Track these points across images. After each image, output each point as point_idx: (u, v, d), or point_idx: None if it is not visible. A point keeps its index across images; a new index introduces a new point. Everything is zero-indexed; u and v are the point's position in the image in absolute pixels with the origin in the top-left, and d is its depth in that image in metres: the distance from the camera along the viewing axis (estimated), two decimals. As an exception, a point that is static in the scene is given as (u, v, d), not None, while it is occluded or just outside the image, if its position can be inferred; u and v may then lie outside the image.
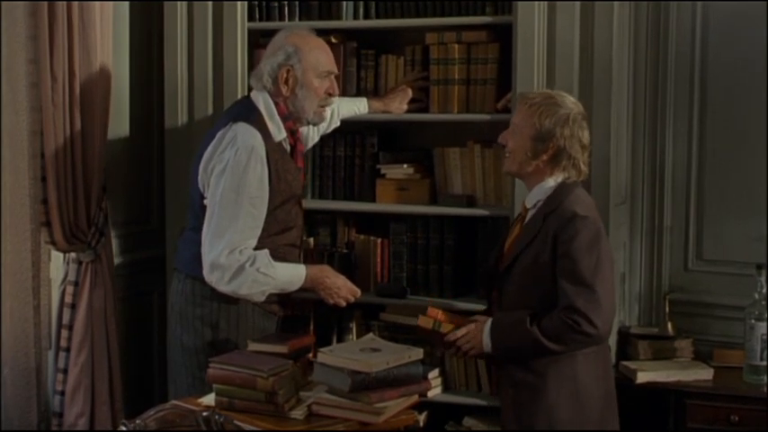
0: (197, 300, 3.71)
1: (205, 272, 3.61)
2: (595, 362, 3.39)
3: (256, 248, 3.63)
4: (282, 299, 3.84)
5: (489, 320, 3.44)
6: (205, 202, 3.67)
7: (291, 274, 3.70)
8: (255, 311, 3.74)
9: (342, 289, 3.81)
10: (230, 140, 3.63)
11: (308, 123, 3.85)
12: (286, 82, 3.73)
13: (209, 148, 3.67)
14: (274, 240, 3.71)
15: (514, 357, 3.41)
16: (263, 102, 3.74)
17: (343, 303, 3.84)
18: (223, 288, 3.60)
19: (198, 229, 3.72)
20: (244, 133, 3.63)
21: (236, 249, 3.57)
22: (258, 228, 3.64)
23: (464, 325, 3.55)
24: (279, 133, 3.73)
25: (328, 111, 3.95)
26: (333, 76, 3.82)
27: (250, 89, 3.87)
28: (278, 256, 3.69)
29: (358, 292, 3.87)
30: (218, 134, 3.67)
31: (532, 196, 3.48)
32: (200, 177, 3.69)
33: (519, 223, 3.54)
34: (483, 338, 3.44)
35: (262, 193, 3.63)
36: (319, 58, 3.76)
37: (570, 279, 3.30)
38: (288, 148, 3.79)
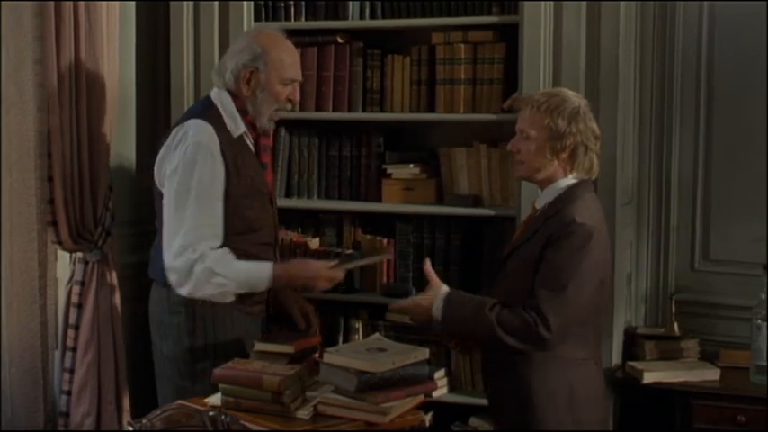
0: (173, 307, 3.64)
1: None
2: (586, 368, 3.37)
3: (223, 248, 3.57)
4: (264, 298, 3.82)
5: (444, 291, 3.38)
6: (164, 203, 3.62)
7: (253, 274, 3.57)
8: (234, 315, 3.66)
9: (318, 279, 3.63)
10: (181, 138, 3.57)
11: (261, 127, 3.72)
12: (248, 82, 3.65)
13: (163, 149, 3.62)
14: (245, 239, 3.64)
15: (465, 335, 3.41)
16: (221, 99, 3.68)
17: (325, 286, 3.68)
18: (182, 292, 3.52)
19: None
20: (194, 129, 3.57)
21: (188, 249, 3.48)
22: (214, 226, 3.54)
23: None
24: (237, 128, 3.65)
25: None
26: (296, 84, 3.73)
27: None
28: (250, 255, 3.62)
29: (337, 276, 3.66)
30: (172, 133, 3.62)
31: (543, 198, 3.44)
32: (156, 179, 3.64)
33: (525, 223, 3.53)
34: (434, 307, 3.36)
35: (213, 189, 3.55)
36: (286, 64, 3.67)
37: (543, 279, 3.25)
38: (250, 143, 3.73)
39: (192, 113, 3.68)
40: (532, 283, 3.27)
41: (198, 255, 3.48)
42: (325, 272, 3.64)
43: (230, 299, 3.57)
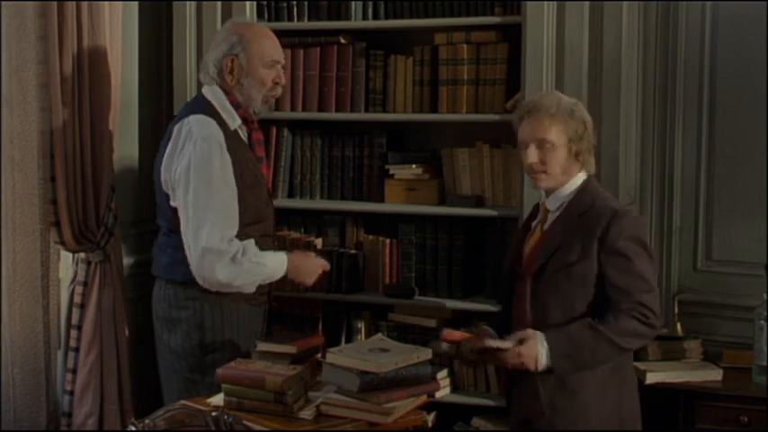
0: (180, 302, 3.67)
1: (195, 267, 3.55)
2: (623, 362, 3.41)
3: (250, 238, 3.63)
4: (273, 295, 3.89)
5: (539, 333, 3.27)
6: (172, 203, 3.63)
7: (276, 262, 3.66)
8: (240, 306, 3.71)
9: (311, 270, 3.81)
10: (187, 135, 3.59)
11: (256, 114, 3.78)
12: (231, 72, 3.70)
13: (168, 148, 3.64)
14: (249, 231, 3.67)
15: (577, 365, 3.30)
16: (212, 94, 3.72)
17: (310, 282, 3.85)
18: (219, 278, 3.52)
19: (171, 232, 3.69)
20: (199, 124, 3.60)
21: (224, 240, 3.52)
22: (234, 217, 3.59)
23: (481, 342, 3.37)
24: (233, 121, 3.70)
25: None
26: (280, 66, 3.78)
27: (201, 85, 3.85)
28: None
29: (325, 266, 3.86)
30: (174, 131, 3.64)
31: (556, 199, 3.43)
32: (162, 178, 3.65)
33: (540, 226, 3.47)
34: (538, 353, 3.25)
35: (228, 180, 3.59)
36: (264, 46, 3.73)
37: (629, 275, 3.28)
38: (244, 136, 3.77)
39: (190, 110, 3.70)
40: (592, 284, 3.30)
41: (235, 248, 3.54)
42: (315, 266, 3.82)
43: (254, 289, 3.63)
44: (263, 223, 3.76)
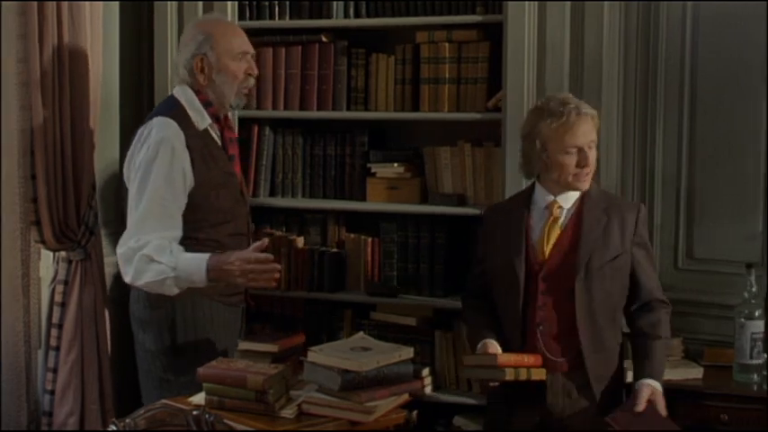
0: (152, 303, 3.66)
1: None
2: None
3: (199, 240, 3.60)
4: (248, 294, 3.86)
5: (651, 381, 3.47)
6: None
7: (192, 265, 3.46)
8: (214, 306, 3.69)
9: (244, 268, 3.45)
10: (146, 137, 3.60)
11: (232, 108, 3.79)
12: (202, 71, 3.70)
13: (130, 149, 3.66)
14: (218, 230, 3.67)
15: None
16: (182, 94, 3.72)
17: (264, 284, 3.52)
18: (126, 279, 3.56)
19: None
20: (158, 126, 3.60)
21: (133, 238, 3.52)
22: (164, 218, 3.54)
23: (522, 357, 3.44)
24: (202, 120, 3.69)
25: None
26: (250, 56, 3.77)
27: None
28: (224, 246, 3.61)
29: (250, 257, 3.45)
30: (138, 132, 3.65)
31: (570, 196, 3.49)
32: (125, 179, 3.69)
33: (554, 224, 3.50)
34: (661, 393, 3.49)
35: (171, 184, 3.56)
36: (231, 40, 3.72)
37: (650, 263, 3.55)
38: (216, 135, 3.76)
39: (156, 112, 3.72)
40: (626, 274, 3.50)
41: (140, 243, 3.50)
42: (242, 254, 3.48)
43: (174, 291, 3.52)
44: (234, 222, 3.75)
